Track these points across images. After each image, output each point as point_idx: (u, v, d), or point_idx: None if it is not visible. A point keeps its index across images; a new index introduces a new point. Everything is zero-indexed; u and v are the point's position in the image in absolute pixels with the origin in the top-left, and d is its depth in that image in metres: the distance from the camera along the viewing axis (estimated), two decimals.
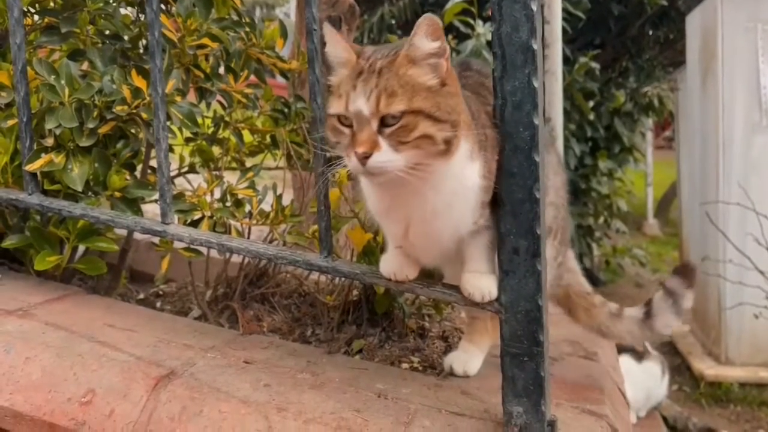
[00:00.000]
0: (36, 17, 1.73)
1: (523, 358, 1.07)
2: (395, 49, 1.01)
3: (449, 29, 6.31)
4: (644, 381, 3.49)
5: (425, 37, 0.98)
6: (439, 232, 1.09)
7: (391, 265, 1.16)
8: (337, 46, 1.02)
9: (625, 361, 3.38)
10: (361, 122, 0.96)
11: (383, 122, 0.95)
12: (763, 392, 4.01)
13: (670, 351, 4.76)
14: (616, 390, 1.59)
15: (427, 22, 0.97)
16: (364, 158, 0.94)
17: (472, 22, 5.78)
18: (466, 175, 1.04)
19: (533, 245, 1.05)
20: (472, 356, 1.41)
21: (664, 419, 3.60)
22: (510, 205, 1.05)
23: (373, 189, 1.09)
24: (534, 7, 1.01)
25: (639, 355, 3.57)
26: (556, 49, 3.91)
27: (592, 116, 5.86)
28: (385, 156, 0.95)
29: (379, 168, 0.95)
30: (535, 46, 1.01)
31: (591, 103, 5.91)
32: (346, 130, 0.98)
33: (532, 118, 1.03)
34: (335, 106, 0.99)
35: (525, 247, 1.05)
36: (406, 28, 6.77)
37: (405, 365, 1.50)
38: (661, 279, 7.24)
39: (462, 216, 1.07)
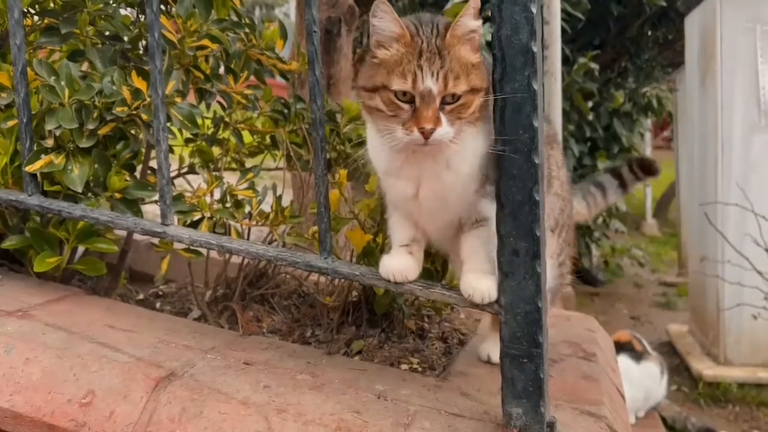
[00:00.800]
0: (36, 18, 1.73)
1: (522, 360, 1.07)
2: (433, 23, 1.08)
3: None
4: (643, 381, 3.49)
5: (471, 17, 1.06)
6: (450, 188, 1.16)
7: (390, 266, 1.18)
8: (391, 22, 1.05)
9: (624, 361, 3.39)
10: (427, 100, 1.02)
11: (443, 100, 1.04)
12: (761, 392, 4.02)
13: (669, 351, 4.77)
14: (614, 391, 1.59)
15: (473, 4, 1.05)
16: (429, 133, 1.02)
17: None
18: (477, 130, 1.12)
19: (533, 247, 1.05)
20: None
21: (663, 419, 3.61)
22: (510, 207, 1.05)
23: (389, 150, 1.12)
24: (534, 10, 1.01)
25: (638, 355, 3.57)
26: (556, 49, 3.92)
27: (591, 116, 5.87)
28: (444, 130, 1.04)
29: (438, 141, 1.04)
30: (534, 49, 1.02)
31: (590, 104, 5.92)
32: (406, 106, 1.04)
33: (531, 121, 1.03)
34: (398, 83, 1.03)
35: (525, 249, 1.05)
36: None
37: (404, 366, 1.51)
38: (660, 279, 7.25)
39: (471, 173, 1.14)
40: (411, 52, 1.04)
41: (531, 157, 1.03)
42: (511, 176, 1.05)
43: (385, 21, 1.06)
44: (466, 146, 1.11)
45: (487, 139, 1.10)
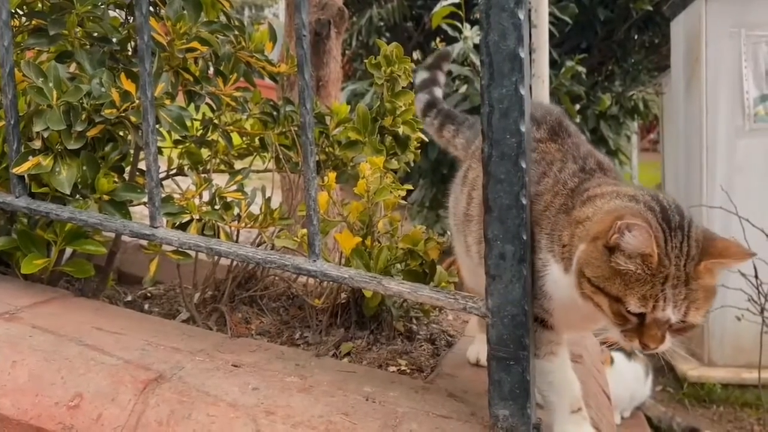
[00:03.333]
0: (24, 19, 1.72)
1: (509, 362, 1.09)
2: (685, 233, 0.98)
3: (437, 32, 6.35)
4: (630, 380, 3.52)
5: (737, 263, 0.98)
6: None
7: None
8: (645, 245, 0.94)
9: (618, 357, 3.43)
10: (660, 324, 0.97)
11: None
12: (745, 393, 4.07)
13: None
14: (600, 392, 1.61)
15: (746, 256, 0.97)
16: (651, 350, 0.98)
17: (459, 25, 5.81)
18: None
19: (520, 250, 1.06)
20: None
21: (649, 419, 3.64)
22: (497, 211, 1.06)
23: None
24: (521, 16, 1.02)
25: (628, 355, 3.60)
26: (543, 53, 3.95)
27: (578, 119, 5.92)
28: (666, 346, 0.99)
29: (655, 353, 1.00)
30: (522, 55, 1.03)
31: (577, 107, 5.97)
32: (634, 319, 0.98)
33: (518, 126, 1.04)
34: (637, 306, 0.95)
35: (512, 252, 1.06)
36: (394, 30, 6.79)
37: (393, 368, 1.51)
38: None
39: None
40: (657, 275, 0.95)
41: (518, 161, 1.05)
42: (498, 180, 1.06)
43: (638, 241, 0.94)
44: None
45: None
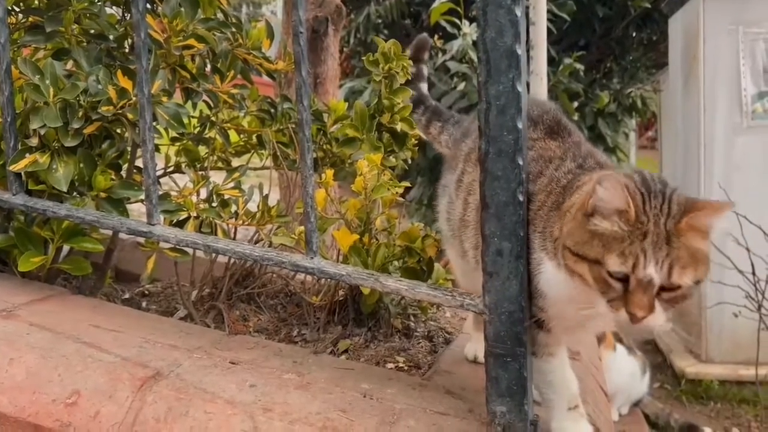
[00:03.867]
0: (20, 16, 1.72)
1: (506, 359, 1.09)
2: (665, 196, 0.96)
3: (435, 29, 6.34)
4: (630, 376, 3.53)
5: (718, 218, 0.94)
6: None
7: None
8: (618, 197, 0.94)
9: (620, 349, 3.44)
10: (644, 287, 0.92)
11: (662, 286, 0.93)
12: (742, 389, 4.07)
13: (653, 349, 4.82)
14: (598, 389, 1.62)
15: (728, 206, 0.94)
16: (639, 320, 0.92)
17: (458, 22, 5.80)
18: None
19: (517, 247, 1.06)
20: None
21: (646, 416, 3.65)
22: (494, 207, 1.06)
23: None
24: (518, 13, 1.02)
25: (627, 349, 3.61)
26: (542, 50, 3.94)
27: (576, 117, 5.92)
28: (657, 319, 0.94)
29: (647, 328, 0.95)
30: (519, 51, 1.03)
31: (575, 104, 5.96)
32: (618, 285, 0.94)
33: (516, 123, 1.04)
34: (617, 265, 0.92)
35: (509, 249, 1.06)
36: (392, 28, 6.78)
37: (390, 365, 1.52)
38: None
39: None
40: (635, 231, 0.92)
41: (515, 158, 1.05)
42: (495, 177, 1.06)
43: (611, 195, 0.94)
44: None
45: None
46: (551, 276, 1.05)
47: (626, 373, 3.47)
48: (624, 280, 0.93)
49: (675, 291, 0.93)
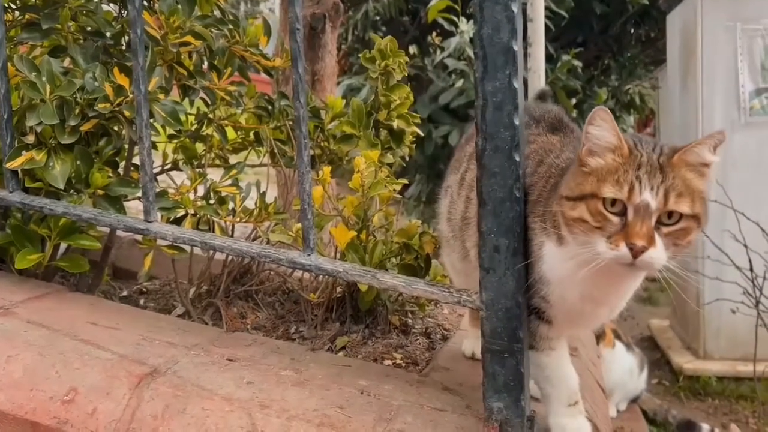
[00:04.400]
0: (17, 13, 1.71)
1: (503, 355, 1.09)
2: (656, 144, 1.00)
3: (433, 26, 6.33)
4: (628, 372, 3.53)
5: (709, 150, 0.96)
6: (620, 305, 1.12)
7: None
8: (609, 131, 0.98)
9: (618, 345, 3.44)
10: (642, 215, 0.93)
11: (660, 220, 0.94)
12: (740, 386, 4.08)
13: (651, 346, 4.83)
14: (595, 385, 1.62)
15: (719, 137, 0.96)
16: (639, 251, 0.91)
17: (455, 19, 5.80)
18: None
19: (514, 243, 1.06)
20: None
21: (644, 413, 3.65)
22: (491, 204, 1.06)
23: (577, 268, 1.01)
24: (515, 9, 1.02)
25: (626, 346, 3.61)
26: (539, 47, 3.95)
27: (574, 114, 5.91)
28: (659, 253, 0.93)
29: (648, 264, 0.94)
30: (515, 48, 1.03)
31: (574, 101, 5.96)
32: (615, 219, 0.94)
33: (512, 119, 1.04)
34: (611, 191, 0.94)
35: (506, 245, 1.06)
36: (390, 25, 6.77)
37: (388, 362, 1.52)
38: None
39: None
40: (628, 162, 0.96)
41: (512, 154, 1.05)
42: (492, 174, 1.06)
43: (602, 130, 0.98)
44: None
45: None
46: (552, 255, 1.06)
47: (625, 369, 3.48)
48: (621, 214, 0.94)
49: (674, 224, 0.94)
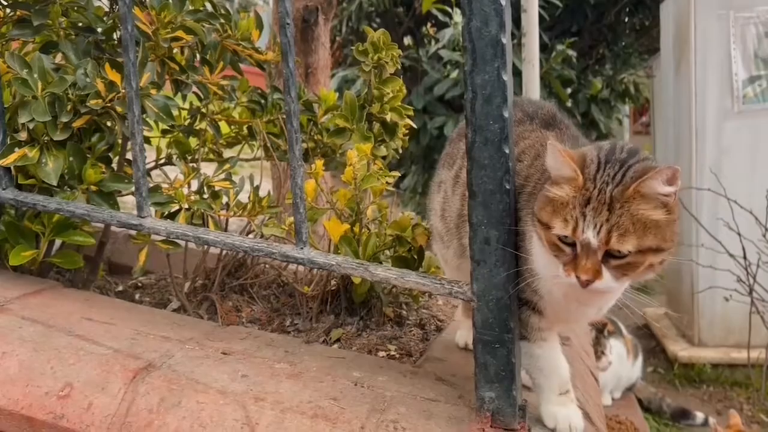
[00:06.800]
0: (8, 10, 1.71)
1: (494, 345, 1.10)
2: (624, 166, 0.98)
3: (427, 17, 6.32)
4: (617, 357, 3.54)
5: (663, 183, 0.95)
6: (607, 305, 1.15)
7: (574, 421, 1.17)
8: (562, 164, 0.99)
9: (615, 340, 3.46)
10: (588, 251, 0.96)
11: (609, 252, 0.96)
12: (734, 373, 4.11)
13: (646, 334, 4.86)
14: (587, 373, 1.63)
15: (669, 172, 0.95)
16: (585, 283, 0.96)
17: (450, 10, 5.78)
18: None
19: (504, 235, 1.07)
20: None
21: (639, 401, 3.68)
22: (481, 196, 1.07)
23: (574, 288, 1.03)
24: (503, 2, 1.02)
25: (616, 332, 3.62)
26: (533, 37, 3.93)
27: (569, 103, 5.92)
28: (606, 284, 0.97)
29: (599, 291, 0.98)
30: (504, 40, 1.03)
31: (568, 90, 5.96)
32: (567, 249, 0.99)
33: (502, 111, 1.04)
34: (560, 228, 0.98)
35: (496, 237, 1.07)
36: (385, 16, 6.76)
37: (382, 353, 1.53)
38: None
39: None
40: (578, 197, 0.97)
41: (501, 147, 1.05)
42: (482, 166, 1.06)
43: (557, 163, 1.00)
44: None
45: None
46: (539, 250, 1.07)
47: (613, 354, 3.48)
48: (573, 245, 0.98)
49: (621, 259, 0.96)
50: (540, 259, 1.07)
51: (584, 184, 0.98)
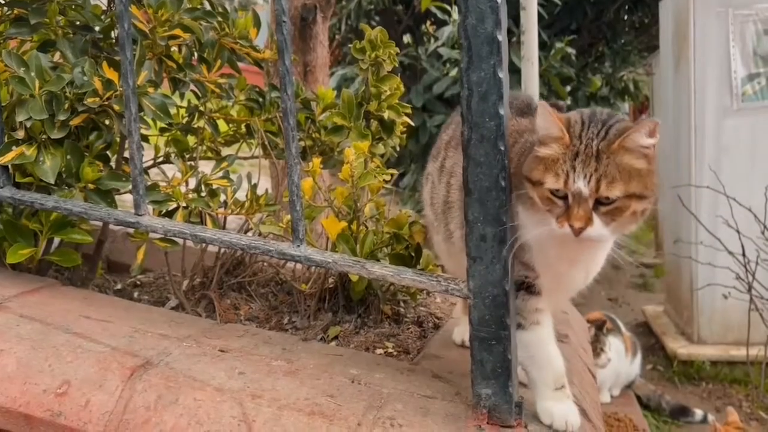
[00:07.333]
0: (5, 8, 1.71)
1: (491, 342, 1.10)
2: (606, 125, 1.08)
3: (427, 15, 6.31)
4: (614, 353, 3.54)
5: (644, 135, 1.05)
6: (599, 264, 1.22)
7: (569, 415, 1.18)
8: (551, 123, 1.07)
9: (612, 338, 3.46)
10: (579, 200, 1.04)
11: (598, 200, 1.05)
12: (733, 370, 4.11)
13: (645, 331, 4.86)
14: (585, 370, 1.64)
15: (650, 125, 1.05)
16: (578, 231, 1.04)
17: (449, 8, 5.78)
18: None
19: (500, 232, 1.07)
20: None
21: (638, 398, 3.68)
22: (477, 193, 1.08)
23: (566, 243, 1.11)
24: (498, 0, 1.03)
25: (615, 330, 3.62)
26: (532, 34, 3.92)
27: (569, 101, 5.92)
28: (597, 230, 1.05)
29: (591, 238, 1.06)
30: (500, 38, 1.03)
31: (568, 88, 5.97)
32: (560, 202, 1.06)
33: (497, 109, 1.05)
34: (552, 183, 1.06)
35: (492, 234, 1.08)
36: (384, 14, 6.75)
37: (379, 351, 1.53)
38: (638, 260, 7.34)
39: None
40: (567, 153, 1.06)
41: (497, 144, 1.06)
42: (478, 163, 1.07)
43: (546, 122, 1.07)
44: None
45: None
46: (528, 220, 1.13)
47: (612, 351, 3.48)
48: (565, 198, 1.06)
49: (610, 204, 1.05)
50: (531, 226, 1.13)
51: (571, 141, 1.06)
